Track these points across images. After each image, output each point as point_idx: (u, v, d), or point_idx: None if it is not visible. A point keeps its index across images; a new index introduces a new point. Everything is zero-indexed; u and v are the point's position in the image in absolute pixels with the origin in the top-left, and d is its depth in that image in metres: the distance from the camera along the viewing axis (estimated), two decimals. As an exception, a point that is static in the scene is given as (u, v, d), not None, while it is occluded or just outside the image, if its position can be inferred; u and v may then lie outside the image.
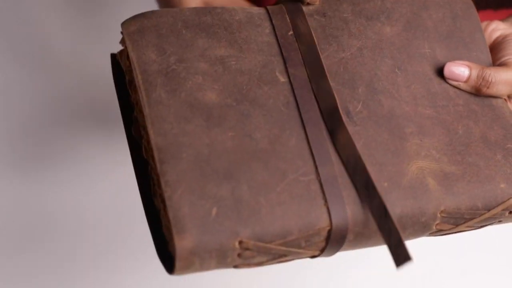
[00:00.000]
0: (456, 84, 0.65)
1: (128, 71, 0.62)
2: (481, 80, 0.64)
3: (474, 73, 0.64)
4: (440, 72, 0.65)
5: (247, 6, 0.72)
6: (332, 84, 0.61)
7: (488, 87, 0.64)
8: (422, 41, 0.66)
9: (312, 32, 0.63)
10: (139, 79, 0.58)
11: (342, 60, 0.62)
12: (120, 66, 0.65)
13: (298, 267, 0.88)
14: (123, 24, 0.61)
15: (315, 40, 0.62)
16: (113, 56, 0.65)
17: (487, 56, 0.67)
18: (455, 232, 0.62)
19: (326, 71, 0.61)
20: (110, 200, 0.90)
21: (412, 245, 0.91)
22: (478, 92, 0.65)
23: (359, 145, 0.59)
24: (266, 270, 0.87)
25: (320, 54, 0.62)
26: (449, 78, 0.65)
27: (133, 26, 0.60)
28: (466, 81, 0.65)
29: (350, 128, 0.59)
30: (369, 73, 0.63)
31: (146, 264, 0.85)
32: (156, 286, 0.85)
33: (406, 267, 0.86)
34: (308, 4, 0.64)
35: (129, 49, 0.59)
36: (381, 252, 0.89)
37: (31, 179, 0.89)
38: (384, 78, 0.63)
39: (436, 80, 0.65)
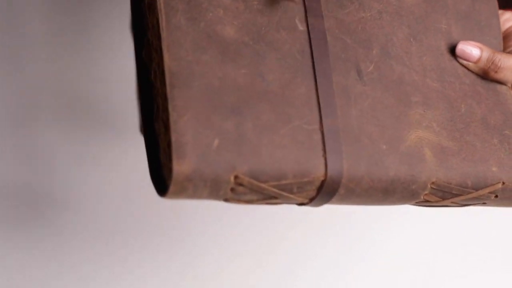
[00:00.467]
0: (465, 64, 0.66)
1: None
2: (490, 63, 0.65)
3: (485, 55, 0.65)
4: (452, 49, 0.66)
5: None
6: (348, 41, 0.62)
7: (496, 72, 0.65)
8: (440, 16, 0.67)
9: None
10: (161, 2, 0.58)
11: (361, 19, 0.63)
12: None
13: (299, 267, 0.89)
14: None
15: None
16: None
17: (499, 43, 0.69)
18: (440, 206, 0.64)
19: (344, 27, 0.62)
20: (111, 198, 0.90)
21: (412, 245, 0.93)
22: (485, 75, 0.66)
23: (365, 105, 0.60)
24: (263, 269, 0.88)
25: (341, 10, 0.62)
26: (459, 57, 0.66)
27: None
28: (476, 62, 0.66)
29: (358, 87, 0.60)
30: (385, 37, 0.63)
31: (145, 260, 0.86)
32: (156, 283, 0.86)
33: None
34: None
35: None
36: (381, 253, 0.90)
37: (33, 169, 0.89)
38: (398, 44, 0.64)
39: (447, 56, 0.66)
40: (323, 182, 0.57)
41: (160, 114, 0.57)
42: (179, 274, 0.86)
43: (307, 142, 0.56)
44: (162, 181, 0.57)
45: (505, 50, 0.69)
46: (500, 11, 0.72)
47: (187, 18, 0.58)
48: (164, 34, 0.57)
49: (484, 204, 0.65)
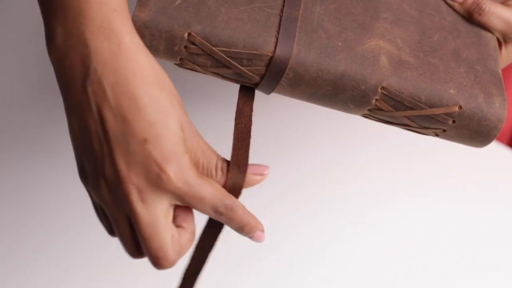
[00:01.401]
0: (451, 3, 0.68)
1: None
2: (475, 5, 0.67)
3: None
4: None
5: None
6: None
7: (480, 14, 0.67)
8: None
9: None
10: None
11: None
12: None
13: (300, 268, 0.90)
14: None
15: None
16: None
17: None
18: (397, 124, 0.65)
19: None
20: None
21: (413, 246, 0.92)
22: (470, 16, 0.68)
23: (331, 6, 0.64)
24: (262, 268, 0.89)
25: None
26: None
27: None
28: (461, 3, 0.68)
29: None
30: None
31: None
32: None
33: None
34: None
35: None
36: (382, 252, 0.91)
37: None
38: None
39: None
40: (271, 59, 0.61)
41: None
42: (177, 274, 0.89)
43: (263, 21, 0.61)
44: None
45: (504, 2, 0.71)
46: None
47: None
48: None
49: (444, 132, 0.65)
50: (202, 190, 0.54)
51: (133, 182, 0.52)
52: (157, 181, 0.53)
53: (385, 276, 0.87)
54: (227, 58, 0.60)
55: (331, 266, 0.87)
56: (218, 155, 0.57)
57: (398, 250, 0.90)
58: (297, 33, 0.61)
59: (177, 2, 0.60)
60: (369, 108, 0.64)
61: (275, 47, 0.60)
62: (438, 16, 0.67)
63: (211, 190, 0.55)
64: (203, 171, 0.56)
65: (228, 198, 0.56)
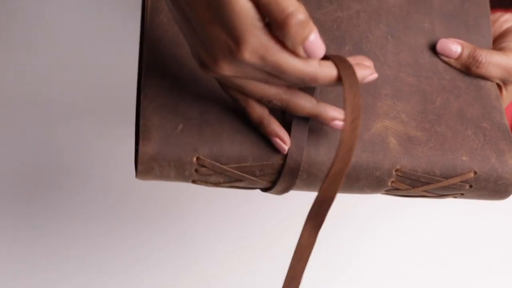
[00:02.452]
0: (447, 60, 0.68)
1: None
2: (471, 59, 0.67)
3: (466, 51, 0.67)
4: (433, 46, 0.68)
5: None
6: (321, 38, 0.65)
7: (477, 67, 0.67)
8: (424, 16, 0.69)
9: None
10: (148, 3, 0.64)
11: (337, 19, 0.66)
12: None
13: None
14: None
15: None
16: None
17: (488, 41, 0.70)
18: (415, 196, 0.65)
19: (319, 26, 0.65)
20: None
21: (416, 248, 0.93)
22: (468, 70, 0.67)
23: (331, 96, 0.63)
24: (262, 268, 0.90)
25: (319, 10, 0.66)
26: (441, 53, 0.68)
27: None
28: (457, 59, 0.67)
29: None
30: (360, 35, 0.66)
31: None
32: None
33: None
34: None
35: None
36: (382, 252, 0.92)
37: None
38: (373, 41, 0.67)
39: (428, 53, 0.68)
40: (282, 166, 0.60)
41: (137, 105, 0.63)
42: (177, 274, 0.88)
43: None
44: (136, 164, 0.63)
45: (495, 48, 0.70)
46: (499, 14, 0.73)
47: (169, 17, 0.64)
48: (146, 31, 0.63)
49: (462, 195, 0.66)
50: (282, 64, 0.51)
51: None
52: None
53: (386, 277, 0.88)
54: (239, 173, 0.60)
55: (335, 268, 0.88)
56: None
57: (399, 251, 0.91)
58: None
59: (179, 127, 0.59)
60: (386, 189, 0.64)
61: (284, 155, 0.60)
62: (436, 77, 0.67)
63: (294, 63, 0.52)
64: None
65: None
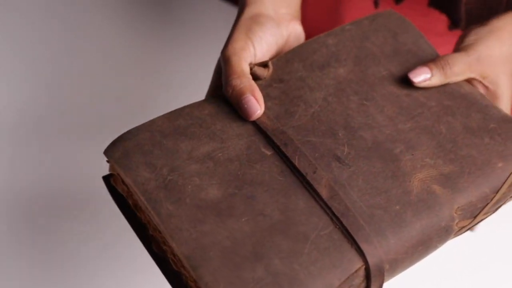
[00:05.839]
0: (426, 85, 0.69)
1: (129, 196, 0.65)
2: (441, 69, 0.69)
3: (435, 67, 0.69)
4: (403, 86, 0.69)
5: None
6: (314, 139, 0.65)
7: (451, 75, 0.69)
8: (376, 67, 0.71)
9: (277, 99, 0.67)
10: (143, 200, 0.61)
11: (313, 115, 0.66)
12: (117, 190, 0.67)
13: None
14: (106, 152, 0.64)
15: (283, 106, 0.67)
16: (106, 179, 0.68)
17: (433, 54, 0.72)
18: (477, 223, 0.65)
19: (304, 130, 0.65)
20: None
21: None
22: (446, 78, 0.69)
23: (359, 183, 0.62)
24: None
25: (292, 118, 0.66)
26: (418, 84, 0.69)
27: (117, 152, 0.64)
28: (431, 79, 0.69)
29: (345, 172, 0.63)
30: (342, 116, 0.67)
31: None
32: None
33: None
34: (260, 78, 0.69)
35: (122, 175, 0.63)
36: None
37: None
38: (356, 114, 0.67)
39: (403, 94, 0.69)
40: (366, 269, 0.59)
41: None
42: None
43: (332, 245, 0.59)
44: None
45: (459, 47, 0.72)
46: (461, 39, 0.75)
47: (172, 202, 0.61)
48: (161, 227, 0.60)
49: (511, 197, 0.66)
50: None
51: None
52: None
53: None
54: None
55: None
56: None
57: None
58: (364, 229, 0.59)
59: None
60: (454, 233, 0.63)
61: (361, 255, 0.58)
62: (426, 109, 0.68)
63: None
64: None
65: None
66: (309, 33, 0.88)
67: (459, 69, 0.69)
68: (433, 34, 0.90)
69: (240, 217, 0.60)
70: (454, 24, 0.88)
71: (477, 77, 0.70)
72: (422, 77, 0.69)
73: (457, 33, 0.90)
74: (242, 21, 0.71)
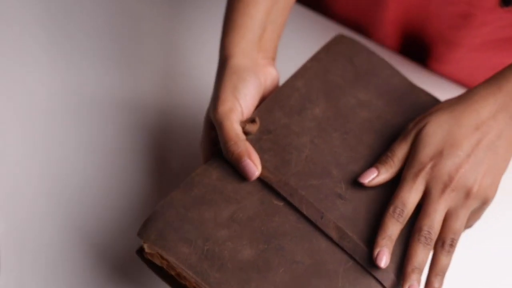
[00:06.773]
0: (376, 182, 0.75)
1: (170, 267, 0.73)
2: (385, 164, 0.75)
3: (380, 166, 0.75)
4: (371, 110, 0.79)
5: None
6: (314, 182, 0.74)
7: (397, 158, 0.75)
8: (345, 98, 0.80)
9: (271, 151, 0.76)
10: (191, 275, 0.69)
11: (307, 159, 0.75)
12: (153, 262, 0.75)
13: None
14: (140, 235, 0.71)
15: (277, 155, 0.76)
16: (139, 253, 0.76)
17: (393, 68, 0.83)
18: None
19: (303, 175, 0.74)
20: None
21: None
22: (397, 167, 0.75)
23: (365, 213, 0.73)
24: None
25: (290, 166, 0.75)
26: (369, 185, 0.75)
27: (152, 234, 0.71)
28: (378, 176, 0.75)
29: (348, 205, 0.73)
30: (330, 155, 0.76)
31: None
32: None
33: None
34: (251, 133, 0.77)
35: (164, 254, 0.70)
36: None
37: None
38: (342, 150, 0.77)
39: (374, 118, 0.79)
40: None
41: None
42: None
43: (359, 276, 0.70)
44: None
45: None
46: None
47: (217, 269, 0.69)
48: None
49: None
50: None
51: None
52: None
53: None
54: None
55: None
56: None
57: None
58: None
59: None
60: None
61: (382, 285, 0.70)
62: (395, 128, 0.79)
63: None
64: None
65: None
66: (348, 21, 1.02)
67: (401, 154, 0.75)
68: (484, 10, 0.92)
69: (277, 269, 0.70)
70: (504, 1, 0.89)
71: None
72: (370, 177, 0.74)
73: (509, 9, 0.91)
74: (227, 77, 0.77)
